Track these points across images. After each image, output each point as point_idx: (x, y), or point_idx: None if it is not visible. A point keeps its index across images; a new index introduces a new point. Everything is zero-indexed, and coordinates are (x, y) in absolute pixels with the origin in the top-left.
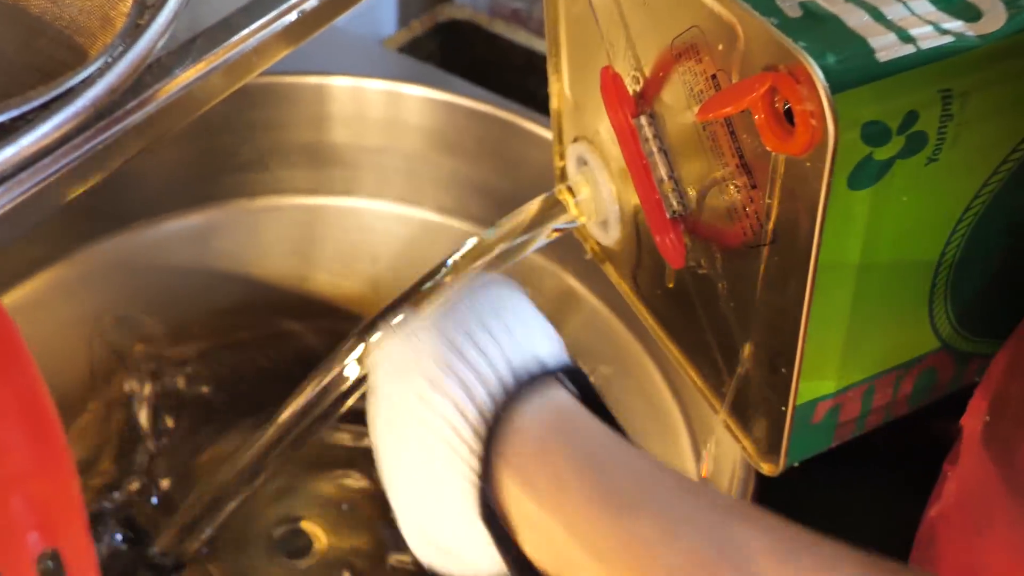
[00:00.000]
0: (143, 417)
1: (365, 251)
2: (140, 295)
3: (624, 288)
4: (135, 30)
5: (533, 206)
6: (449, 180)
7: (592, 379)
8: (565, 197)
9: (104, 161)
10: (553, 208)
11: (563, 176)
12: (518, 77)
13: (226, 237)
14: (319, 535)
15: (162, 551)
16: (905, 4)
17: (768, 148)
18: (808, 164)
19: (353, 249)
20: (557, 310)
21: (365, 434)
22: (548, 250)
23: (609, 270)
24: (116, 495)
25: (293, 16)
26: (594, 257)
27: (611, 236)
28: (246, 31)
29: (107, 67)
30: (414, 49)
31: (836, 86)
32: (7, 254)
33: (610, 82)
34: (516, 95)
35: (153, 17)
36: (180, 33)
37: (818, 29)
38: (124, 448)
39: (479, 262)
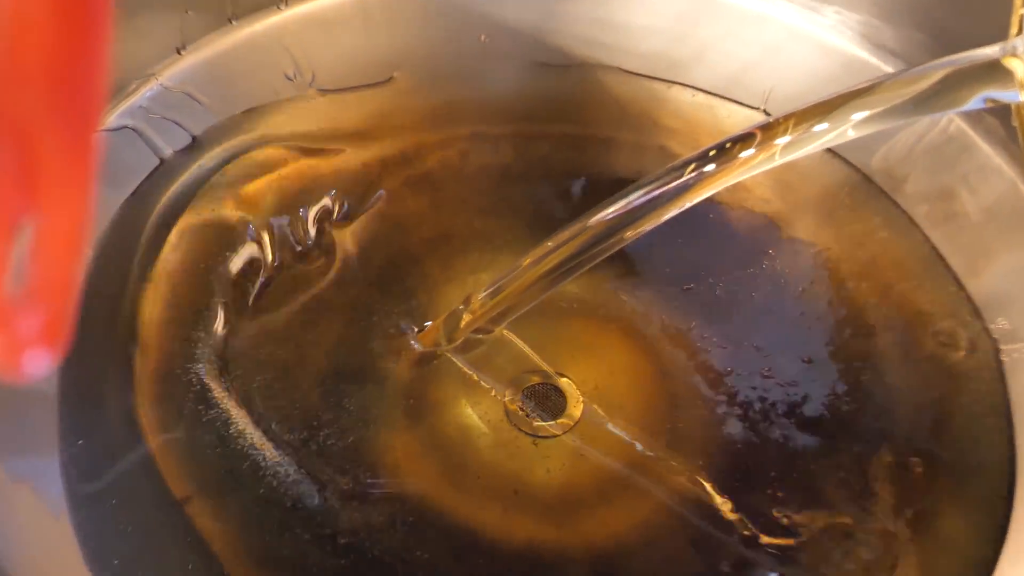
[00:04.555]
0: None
1: (755, 71)
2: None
3: None
4: None
5: (977, 56)
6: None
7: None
8: (1009, 59)
9: None
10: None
11: (1020, 28)
12: None
13: None
14: (576, 403)
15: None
16: None
17: None
18: None
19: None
20: (997, 230)
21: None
22: (1007, 139)
23: None
24: None
25: None
26: None
27: None
28: None
29: None
30: None
31: None
32: None
33: None
34: None
35: None
36: None
37: None
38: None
39: (873, 109)
